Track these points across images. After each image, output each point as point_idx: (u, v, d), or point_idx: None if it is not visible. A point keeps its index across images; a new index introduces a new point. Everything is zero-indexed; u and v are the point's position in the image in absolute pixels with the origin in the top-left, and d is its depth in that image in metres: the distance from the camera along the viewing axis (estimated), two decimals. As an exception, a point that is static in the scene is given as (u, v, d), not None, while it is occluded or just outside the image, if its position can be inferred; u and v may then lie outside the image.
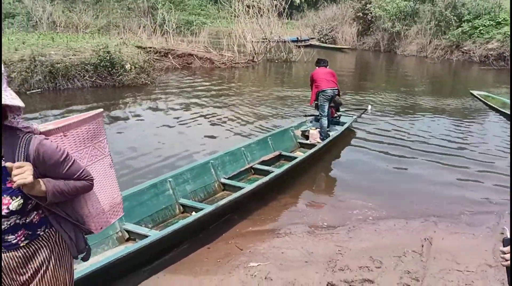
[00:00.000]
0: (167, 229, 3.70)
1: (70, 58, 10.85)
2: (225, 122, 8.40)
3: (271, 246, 3.95)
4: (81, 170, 2.01)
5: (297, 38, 24.17)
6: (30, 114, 8.49)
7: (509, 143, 7.09)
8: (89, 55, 11.14)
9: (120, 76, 11.32)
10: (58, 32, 15.85)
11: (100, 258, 3.53)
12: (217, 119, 8.59)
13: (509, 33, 18.39)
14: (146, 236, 3.72)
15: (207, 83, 12.86)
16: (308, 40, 26.43)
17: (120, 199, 2.41)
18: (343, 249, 3.84)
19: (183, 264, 3.69)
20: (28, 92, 9.91)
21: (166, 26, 17.83)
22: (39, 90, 10.13)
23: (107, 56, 11.03)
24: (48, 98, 9.90)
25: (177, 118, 8.59)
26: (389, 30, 24.21)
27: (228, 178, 5.24)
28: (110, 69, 11.17)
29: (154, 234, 3.68)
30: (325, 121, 6.70)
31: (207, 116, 8.78)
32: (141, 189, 4.32)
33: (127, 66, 11.52)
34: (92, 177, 2.08)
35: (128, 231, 3.98)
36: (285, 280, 3.35)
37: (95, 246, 3.74)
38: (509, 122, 8.58)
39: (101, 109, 2.39)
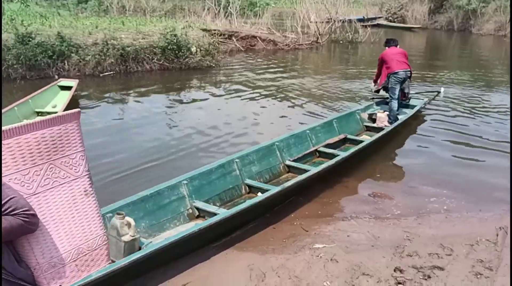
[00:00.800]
0: (236, 208, 3.82)
1: (139, 42, 11.32)
2: (289, 104, 8.40)
3: (336, 229, 3.96)
4: (6, 200, 1.35)
5: (364, 17, 23.35)
6: (104, 94, 9.02)
7: None
8: (157, 39, 11.53)
9: (186, 59, 11.64)
10: (127, 16, 16.50)
11: (173, 232, 3.75)
12: (281, 101, 8.61)
13: None
14: (214, 214, 3.87)
15: (271, 65, 12.88)
16: (375, 19, 25.44)
17: (102, 241, 1.67)
18: (412, 235, 3.76)
19: (250, 242, 3.80)
20: (101, 75, 10.50)
21: (230, 8, 17.96)
22: (112, 72, 10.69)
23: (174, 39, 11.36)
24: (119, 80, 10.42)
25: (241, 100, 8.72)
26: (464, 7, 22.67)
27: (293, 161, 5.27)
28: (177, 52, 11.51)
29: (223, 212, 3.82)
30: (395, 104, 6.48)
31: (271, 99, 8.82)
32: (209, 169, 4.47)
33: (193, 49, 11.81)
34: (30, 211, 1.43)
35: (197, 209, 4.16)
36: (351, 262, 3.36)
37: (168, 221, 3.97)
38: None
39: (78, 109, 1.76)
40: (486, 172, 5.32)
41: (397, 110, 6.56)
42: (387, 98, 6.78)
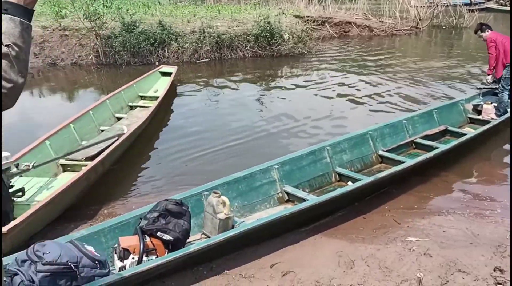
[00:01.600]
0: (326, 195, 3.86)
1: (234, 29, 11.65)
2: (383, 93, 8.13)
3: (431, 223, 3.82)
4: None
5: (470, 0, 21.55)
6: (200, 79, 9.48)
7: None
8: (251, 26, 11.76)
9: (279, 46, 11.73)
10: (223, 4, 17.00)
11: (263, 214, 3.90)
12: (375, 90, 8.36)
13: None
14: (303, 200, 3.95)
15: (365, 52, 12.51)
16: (483, 3, 23.30)
17: None
18: (516, 236, 3.50)
19: (339, 230, 3.82)
20: (197, 62, 11.02)
21: (325, -7, 17.67)
22: (207, 59, 11.17)
23: (267, 26, 11.49)
24: (214, 67, 10.87)
25: (333, 88, 8.62)
26: None
27: (387, 151, 5.13)
28: (269, 39, 11.64)
29: (312, 199, 3.88)
30: (506, 95, 5.96)
31: (364, 87, 8.61)
32: (300, 155, 4.53)
33: (286, 36, 11.86)
34: None
35: (287, 193, 4.25)
36: (447, 258, 3.23)
37: (258, 203, 4.13)
38: None
39: None
40: None
41: (507, 102, 6.03)
42: (496, 88, 6.25)
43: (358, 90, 8.41)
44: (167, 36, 10.87)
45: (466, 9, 17.68)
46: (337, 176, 4.69)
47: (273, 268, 3.26)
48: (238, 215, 3.91)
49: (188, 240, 3.39)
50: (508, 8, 22.86)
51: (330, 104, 7.56)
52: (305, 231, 3.79)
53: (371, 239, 3.62)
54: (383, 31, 15.46)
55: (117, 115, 6.52)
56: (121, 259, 2.98)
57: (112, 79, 9.58)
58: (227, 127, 6.53)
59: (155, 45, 10.78)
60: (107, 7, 10.81)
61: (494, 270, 3.05)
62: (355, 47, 13.35)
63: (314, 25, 14.99)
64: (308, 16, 15.15)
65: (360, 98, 7.89)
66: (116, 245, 3.09)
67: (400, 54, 12.38)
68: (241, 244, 3.46)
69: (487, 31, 6.16)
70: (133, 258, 2.98)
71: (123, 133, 5.31)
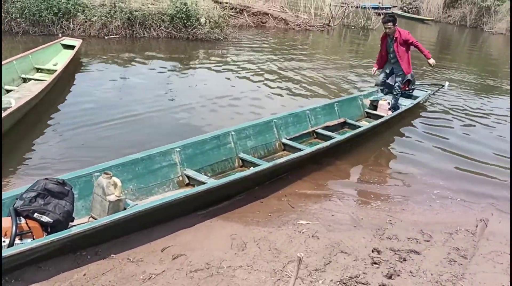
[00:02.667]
0: (224, 179, 3.85)
1: (148, 7, 11.18)
2: (293, 84, 8.34)
3: (322, 208, 4.00)
4: None
5: (379, 5, 22.99)
6: (107, 56, 8.98)
7: None
8: (166, 6, 11.38)
9: (195, 29, 11.51)
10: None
11: (160, 197, 3.78)
12: (285, 81, 8.55)
13: None
14: (203, 183, 3.90)
15: (279, 44, 12.76)
16: (390, 8, 25.03)
17: None
18: (394, 220, 3.81)
19: (236, 214, 3.84)
20: (106, 37, 10.42)
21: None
22: (117, 36, 10.60)
23: (183, 7, 11.20)
24: (125, 44, 10.36)
25: (245, 76, 8.66)
26: (478, 4, 22.33)
27: (290, 139, 5.27)
28: (185, 21, 11.38)
29: (211, 182, 3.85)
30: (398, 99, 6.54)
31: (276, 77, 8.77)
32: (204, 139, 4.48)
33: (202, 20, 11.67)
34: None
35: (188, 177, 4.18)
36: (332, 240, 3.41)
37: (156, 186, 4.00)
38: None
39: None
40: (476, 167, 5.32)
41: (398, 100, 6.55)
42: (392, 86, 6.66)
43: (269, 79, 8.54)
44: (73, 7, 10.13)
45: (374, 12, 18.86)
46: (240, 161, 4.72)
47: (164, 252, 3.19)
48: (133, 198, 3.75)
49: (73, 224, 3.17)
50: (410, 15, 24.87)
51: (240, 92, 7.57)
52: (202, 215, 3.76)
53: (265, 222, 3.70)
54: (298, 25, 15.88)
55: (7, 87, 5.94)
56: (-9, 241, 2.69)
57: (5, 48, 8.67)
58: (130, 107, 6.25)
59: (59, 15, 9.99)
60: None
61: (372, 251, 3.28)
62: (271, 38, 13.56)
63: (232, 12, 14.94)
64: (227, 3, 15.05)
65: (269, 87, 8.02)
66: (-15, 227, 2.78)
67: (312, 48, 12.83)
68: (133, 228, 3.32)
69: (396, 26, 6.11)
70: (4, 241, 2.70)
71: (10, 107, 4.84)
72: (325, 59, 11.24)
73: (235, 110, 6.62)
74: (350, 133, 5.38)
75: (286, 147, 5.21)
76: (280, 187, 4.38)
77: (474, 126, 6.81)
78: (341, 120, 6.02)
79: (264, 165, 4.26)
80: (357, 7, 18.23)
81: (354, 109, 6.61)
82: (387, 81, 6.60)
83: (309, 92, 7.93)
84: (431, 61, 6.32)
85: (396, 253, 3.26)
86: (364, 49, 14.17)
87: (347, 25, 17.83)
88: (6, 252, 2.57)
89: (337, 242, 3.37)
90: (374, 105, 6.77)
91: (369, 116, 6.64)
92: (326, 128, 5.73)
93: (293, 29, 15.65)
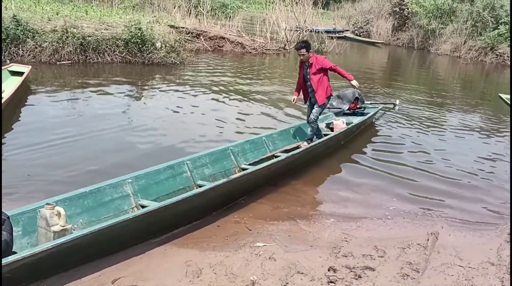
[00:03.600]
0: (176, 198, 3.74)
1: (102, 32, 11.07)
2: (251, 110, 8.33)
3: (279, 229, 3.98)
4: None
5: (333, 28, 23.82)
6: (59, 82, 8.73)
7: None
8: (120, 31, 11.31)
9: (150, 54, 11.46)
10: (92, 6, 16.08)
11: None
12: (243, 105, 8.56)
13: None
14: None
15: (236, 68, 12.88)
16: (342, 32, 26.00)
17: None
18: (349, 237, 3.83)
19: (191, 239, 3.76)
20: (58, 63, 10.17)
21: (201, 7, 17.86)
22: (70, 61, 10.37)
23: (138, 32, 11.16)
24: (78, 70, 10.14)
25: (202, 100, 8.63)
26: (424, 27, 23.63)
27: (249, 164, 5.24)
28: (140, 45, 11.32)
29: (164, 202, 3.70)
30: (317, 125, 6.10)
31: (233, 102, 8.76)
32: (157, 169, 4.36)
33: (158, 44, 11.65)
34: None
35: (143, 207, 3.95)
36: (288, 261, 3.38)
37: (109, 219, 3.73)
38: None
39: None
40: (428, 180, 5.49)
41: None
42: (340, 108, 6.72)
43: (227, 105, 8.52)
44: (22, 33, 9.85)
45: (327, 36, 19.50)
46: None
47: (115, 284, 3.05)
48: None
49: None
50: (361, 38, 25.90)
51: (198, 118, 7.46)
52: (156, 242, 3.65)
53: (221, 246, 3.63)
54: (254, 49, 16.16)
55: None
56: None
57: None
58: (82, 134, 6.06)
59: (7, 41, 9.66)
60: None
61: (329, 270, 3.28)
62: (227, 62, 13.67)
63: (189, 36, 15.02)
64: (183, 27, 15.14)
65: (228, 112, 7.98)
66: None
67: (269, 72, 12.99)
68: (80, 259, 3.16)
69: (312, 53, 5.84)
70: None
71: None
72: (283, 82, 11.43)
73: (191, 137, 6.47)
74: (302, 148, 5.43)
75: (246, 173, 5.18)
76: (236, 210, 4.35)
77: (422, 145, 7.00)
78: (299, 143, 6.06)
79: (220, 181, 4.21)
80: (311, 31, 18.79)
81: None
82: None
83: (268, 117, 7.91)
84: (354, 82, 5.90)
85: (351, 271, 3.27)
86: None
87: (302, 48, 18.27)
88: None
89: (294, 263, 3.34)
90: (330, 127, 6.89)
91: None
92: (285, 152, 5.73)
93: (250, 52, 15.90)
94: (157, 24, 13.23)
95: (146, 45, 11.41)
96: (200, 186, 4.52)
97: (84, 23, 11.18)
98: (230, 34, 16.72)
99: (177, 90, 9.26)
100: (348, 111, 7.71)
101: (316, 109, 5.92)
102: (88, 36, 10.59)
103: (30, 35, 9.97)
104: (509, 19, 19.81)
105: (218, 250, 3.56)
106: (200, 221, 4.05)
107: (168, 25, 14.13)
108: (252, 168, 4.65)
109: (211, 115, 7.70)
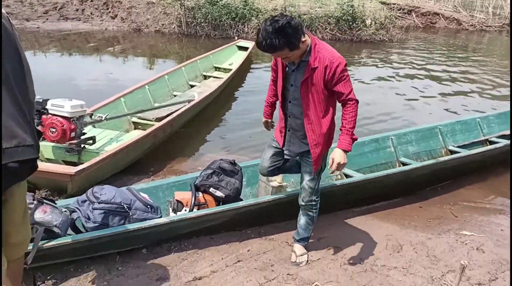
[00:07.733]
0: (376, 173, 3.78)
1: (316, 10, 11.55)
2: (461, 92, 7.68)
3: (490, 221, 3.66)
4: None
5: None
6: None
7: None
8: (333, 8, 11.60)
9: (359, 31, 11.47)
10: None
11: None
12: (453, 88, 7.92)
13: None
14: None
15: (448, 46, 11.84)
16: None
17: None
18: None
19: (392, 215, 3.78)
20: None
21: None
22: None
23: (350, 10, 11.27)
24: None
25: (409, 81, 8.31)
26: None
27: (458, 147, 4.90)
28: (351, 23, 11.42)
29: (366, 175, 3.80)
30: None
31: (442, 83, 8.17)
32: (362, 141, 4.44)
33: (368, 21, 11.56)
34: None
35: (346, 175, 4.11)
36: (499, 256, 3.10)
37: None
38: None
39: None
40: None
41: None
42: None
43: (436, 84, 8.01)
44: (248, 12, 11.05)
45: None
46: (402, 165, 4.51)
47: (320, 241, 3.32)
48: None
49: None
50: None
51: (404, 97, 7.29)
52: (358, 212, 3.79)
53: (423, 228, 3.55)
54: (472, 25, 14.49)
55: (191, 82, 6.83)
56: (175, 210, 3.19)
57: (191, 49, 9.96)
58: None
59: (236, 19, 11.01)
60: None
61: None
62: (440, 40, 12.65)
63: (399, 13, 14.43)
64: (395, 4, 14.59)
65: (436, 93, 7.51)
66: (171, 199, 3.29)
67: (487, 52, 11.53)
68: (290, 212, 3.52)
69: None
70: (185, 210, 3.19)
71: (194, 99, 5.58)
72: (501, 63, 10.01)
73: (395, 116, 6.39)
74: None
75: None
76: (442, 194, 4.18)
77: None
78: None
79: (426, 162, 4.07)
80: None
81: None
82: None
83: (479, 102, 7.18)
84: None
85: None
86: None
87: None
88: (185, 215, 3.02)
89: (506, 259, 3.05)
90: None
91: None
92: (503, 137, 5.14)
93: (466, 29, 14.36)
94: (368, 1, 13.07)
95: (356, 22, 11.46)
96: (403, 163, 4.48)
97: (301, 1, 11.85)
98: (445, 10, 15.34)
99: (382, 68, 9.10)
100: None
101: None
102: (303, 14, 11.22)
103: (254, 14, 11.13)
104: None
105: (420, 231, 3.50)
106: (400, 199, 4.01)
107: (379, 2, 13.81)
108: (464, 152, 4.33)
109: (415, 96, 7.40)
